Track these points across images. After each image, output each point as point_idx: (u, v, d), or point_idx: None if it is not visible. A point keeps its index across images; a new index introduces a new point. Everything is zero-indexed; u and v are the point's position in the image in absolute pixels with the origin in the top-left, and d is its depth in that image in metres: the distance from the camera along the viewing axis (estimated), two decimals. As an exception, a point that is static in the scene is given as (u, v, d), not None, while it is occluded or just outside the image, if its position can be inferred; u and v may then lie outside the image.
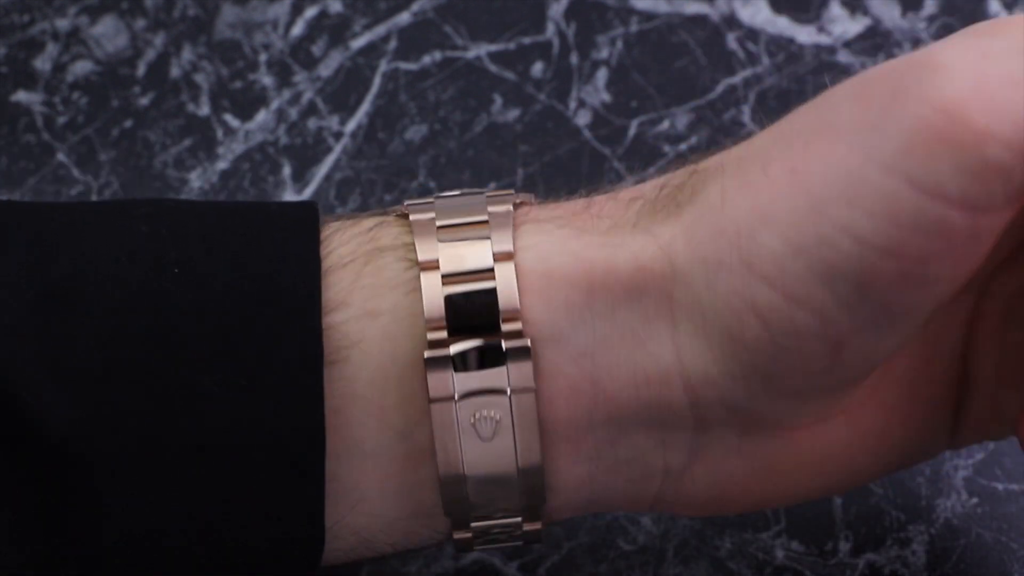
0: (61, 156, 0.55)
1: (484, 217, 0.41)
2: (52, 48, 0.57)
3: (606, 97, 0.57)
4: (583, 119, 0.56)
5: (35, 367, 0.38)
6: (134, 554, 0.39)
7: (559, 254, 0.40)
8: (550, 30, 0.58)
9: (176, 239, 0.40)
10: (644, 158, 0.56)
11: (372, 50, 0.57)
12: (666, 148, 0.56)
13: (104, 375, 0.38)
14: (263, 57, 0.57)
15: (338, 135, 0.56)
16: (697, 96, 0.57)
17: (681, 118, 0.56)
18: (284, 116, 0.56)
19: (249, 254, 0.40)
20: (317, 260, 0.40)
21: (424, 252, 0.40)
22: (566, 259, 0.40)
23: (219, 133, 0.56)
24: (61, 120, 0.56)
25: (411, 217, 0.41)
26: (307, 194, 0.54)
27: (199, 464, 0.39)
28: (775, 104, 0.56)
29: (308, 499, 0.40)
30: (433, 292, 0.40)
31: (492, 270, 0.40)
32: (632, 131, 0.56)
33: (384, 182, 0.55)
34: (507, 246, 0.40)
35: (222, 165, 0.55)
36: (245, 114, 0.56)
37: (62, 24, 0.57)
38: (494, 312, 0.40)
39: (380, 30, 0.58)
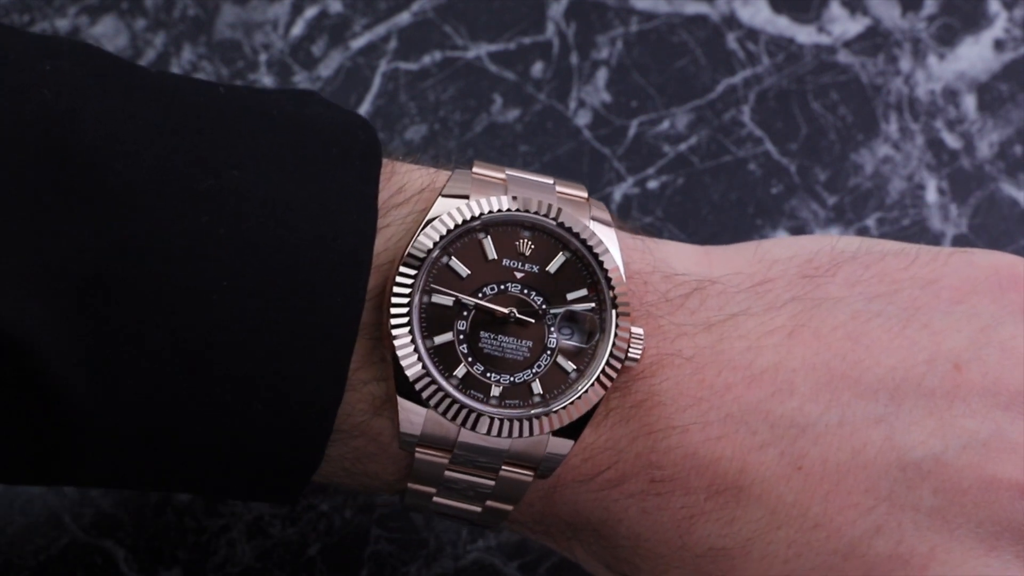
0: (61, 156, 0.55)
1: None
2: (52, 48, 0.57)
3: (606, 97, 0.57)
4: (583, 119, 0.56)
5: (68, 345, 0.38)
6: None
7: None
8: (550, 30, 0.58)
9: (230, 242, 0.39)
10: (644, 158, 0.56)
11: (372, 50, 0.57)
12: (666, 148, 0.56)
13: (132, 368, 0.39)
14: (263, 57, 0.57)
15: (338, 135, 0.56)
16: (697, 96, 0.57)
17: (681, 118, 0.56)
18: (284, 116, 0.56)
19: (296, 285, 0.40)
20: (360, 303, 0.40)
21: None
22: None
23: (219, 133, 0.56)
24: (61, 120, 0.56)
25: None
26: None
27: (197, 465, 0.40)
28: (775, 104, 0.56)
29: (287, 498, 0.42)
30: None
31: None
32: (632, 131, 0.56)
33: (384, 182, 0.55)
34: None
35: (222, 165, 0.55)
36: (245, 114, 0.56)
37: (62, 24, 0.57)
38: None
39: (380, 30, 0.58)
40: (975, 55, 0.57)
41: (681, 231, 0.55)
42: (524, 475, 0.41)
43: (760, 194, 0.55)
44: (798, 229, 0.54)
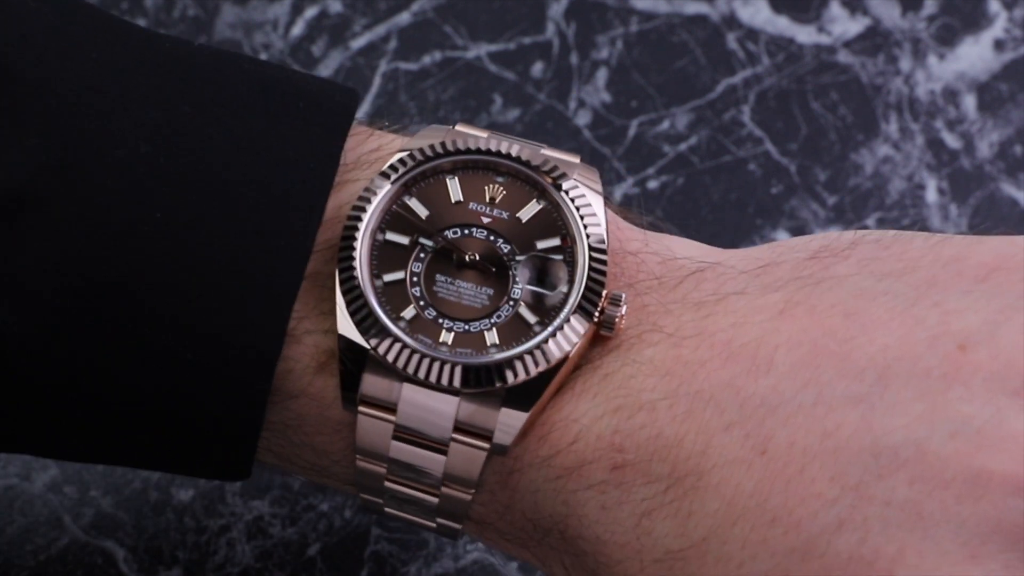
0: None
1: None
2: (52, 48, 0.57)
3: (606, 97, 0.57)
4: (583, 119, 0.56)
5: None
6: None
7: None
8: (550, 30, 0.58)
9: (169, 174, 0.37)
10: (644, 158, 0.56)
11: (372, 50, 0.57)
12: (666, 148, 0.56)
13: (52, 299, 0.37)
14: (263, 57, 0.57)
15: (338, 135, 0.56)
16: (697, 96, 0.57)
17: (681, 118, 0.56)
18: (284, 116, 0.56)
19: (236, 224, 0.37)
20: (307, 246, 0.38)
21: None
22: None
23: (219, 133, 0.56)
24: (61, 120, 0.56)
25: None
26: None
27: (125, 423, 0.38)
28: (775, 104, 0.56)
29: (232, 473, 0.40)
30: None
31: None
32: (632, 131, 0.56)
33: (384, 182, 0.55)
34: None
35: (222, 165, 0.55)
36: (245, 114, 0.56)
37: (62, 24, 0.57)
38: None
39: (380, 30, 0.58)
40: (975, 55, 0.57)
41: (681, 231, 0.55)
42: (477, 446, 0.38)
43: (760, 194, 0.55)
44: (798, 229, 0.54)
